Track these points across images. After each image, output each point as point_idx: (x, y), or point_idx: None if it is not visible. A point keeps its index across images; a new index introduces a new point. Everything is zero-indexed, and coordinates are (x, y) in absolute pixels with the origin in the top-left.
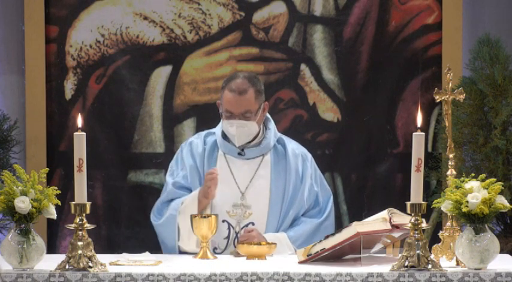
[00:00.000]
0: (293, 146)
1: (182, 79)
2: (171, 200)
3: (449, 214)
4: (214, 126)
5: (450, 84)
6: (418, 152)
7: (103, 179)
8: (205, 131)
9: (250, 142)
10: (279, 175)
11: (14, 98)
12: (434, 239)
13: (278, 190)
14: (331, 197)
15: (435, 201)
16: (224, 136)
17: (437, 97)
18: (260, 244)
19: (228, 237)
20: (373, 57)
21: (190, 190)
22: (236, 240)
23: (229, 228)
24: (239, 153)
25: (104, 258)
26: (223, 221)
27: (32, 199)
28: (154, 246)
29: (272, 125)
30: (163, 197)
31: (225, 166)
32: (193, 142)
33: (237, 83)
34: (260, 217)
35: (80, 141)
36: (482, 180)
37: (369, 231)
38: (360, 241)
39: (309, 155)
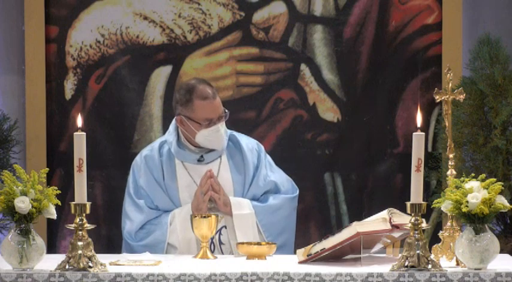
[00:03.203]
0: (246, 141)
1: (182, 79)
2: (147, 222)
3: (449, 214)
4: None
5: (450, 84)
6: (418, 152)
7: (103, 179)
8: (158, 141)
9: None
10: (237, 172)
11: (14, 98)
12: (434, 239)
13: (239, 187)
14: (293, 182)
15: (435, 201)
16: (179, 144)
17: (437, 97)
18: (260, 244)
19: None
20: (373, 57)
21: (157, 207)
22: (212, 246)
23: None
24: (199, 160)
25: (104, 258)
26: None
27: (32, 199)
28: None
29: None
30: (141, 219)
31: (186, 174)
32: (148, 156)
33: (204, 90)
34: (231, 218)
35: (80, 141)
36: (482, 180)
37: (369, 231)
38: (360, 241)
39: (262, 147)
